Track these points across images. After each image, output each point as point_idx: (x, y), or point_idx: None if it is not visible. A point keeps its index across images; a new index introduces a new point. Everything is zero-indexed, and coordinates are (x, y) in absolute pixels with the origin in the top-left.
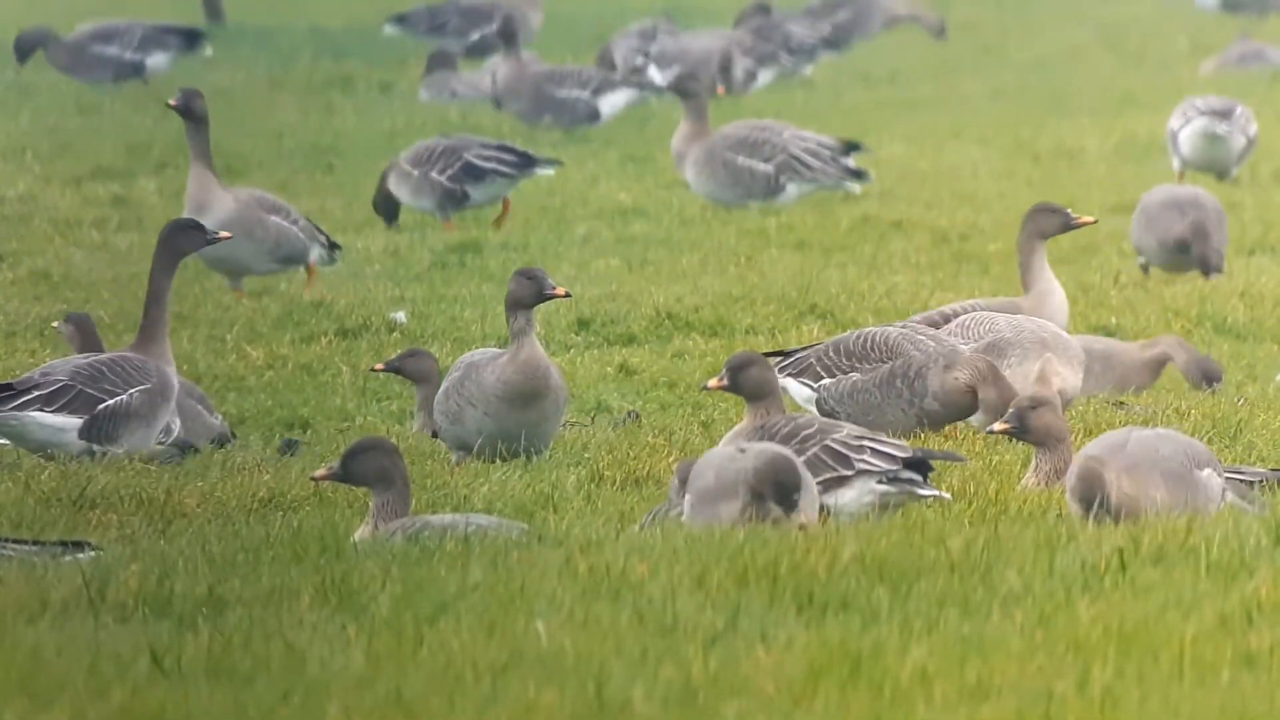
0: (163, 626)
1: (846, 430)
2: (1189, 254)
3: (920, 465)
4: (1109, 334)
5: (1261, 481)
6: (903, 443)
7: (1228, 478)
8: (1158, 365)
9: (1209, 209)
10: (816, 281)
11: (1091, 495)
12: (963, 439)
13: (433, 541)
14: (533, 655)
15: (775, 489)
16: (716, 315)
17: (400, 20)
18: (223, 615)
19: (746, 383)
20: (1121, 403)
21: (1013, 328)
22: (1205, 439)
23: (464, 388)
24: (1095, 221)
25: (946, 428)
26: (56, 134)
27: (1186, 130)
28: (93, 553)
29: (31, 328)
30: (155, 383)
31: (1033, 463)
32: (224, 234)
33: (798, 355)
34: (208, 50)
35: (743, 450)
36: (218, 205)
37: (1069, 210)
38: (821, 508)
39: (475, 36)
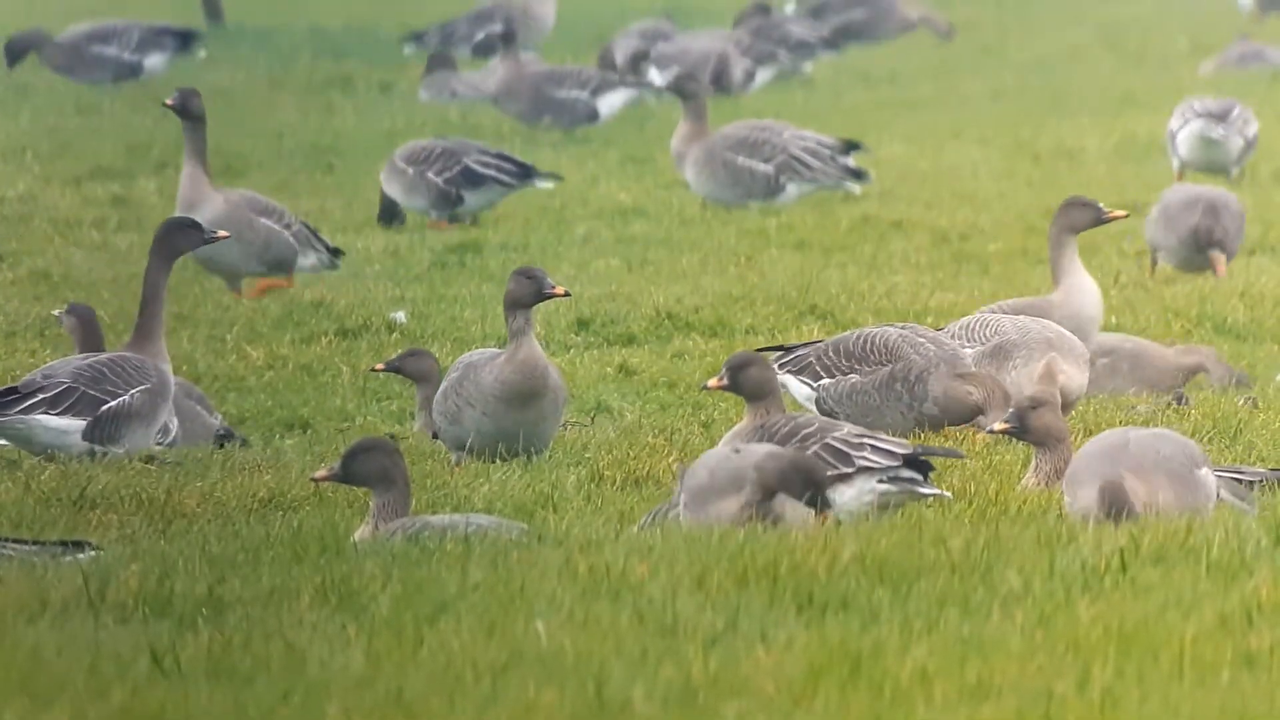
0: (163, 626)
1: (846, 429)
2: (1203, 245)
3: (920, 464)
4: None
5: (1261, 481)
6: (902, 440)
7: (1222, 476)
8: (1191, 373)
9: (1231, 206)
10: (816, 282)
11: (1119, 509)
12: (963, 439)
13: (433, 542)
14: (533, 655)
15: (806, 485)
16: (716, 315)
17: (418, 39)
18: (223, 615)
19: (746, 382)
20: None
21: (1017, 329)
22: (1205, 439)
23: (462, 388)
24: (1127, 216)
25: (945, 427)
26: (56, 134)
27: (1184, 132)
28: (93, 553)
29: (32, 328)
30: (155, 382)
31: (1033, 463)
32: (222, 233)
33: (798, 353)
34: (202, 52)
35: (737, 450)
36: (207, 205)
37: (1101, 204)
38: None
39: (480, 35)
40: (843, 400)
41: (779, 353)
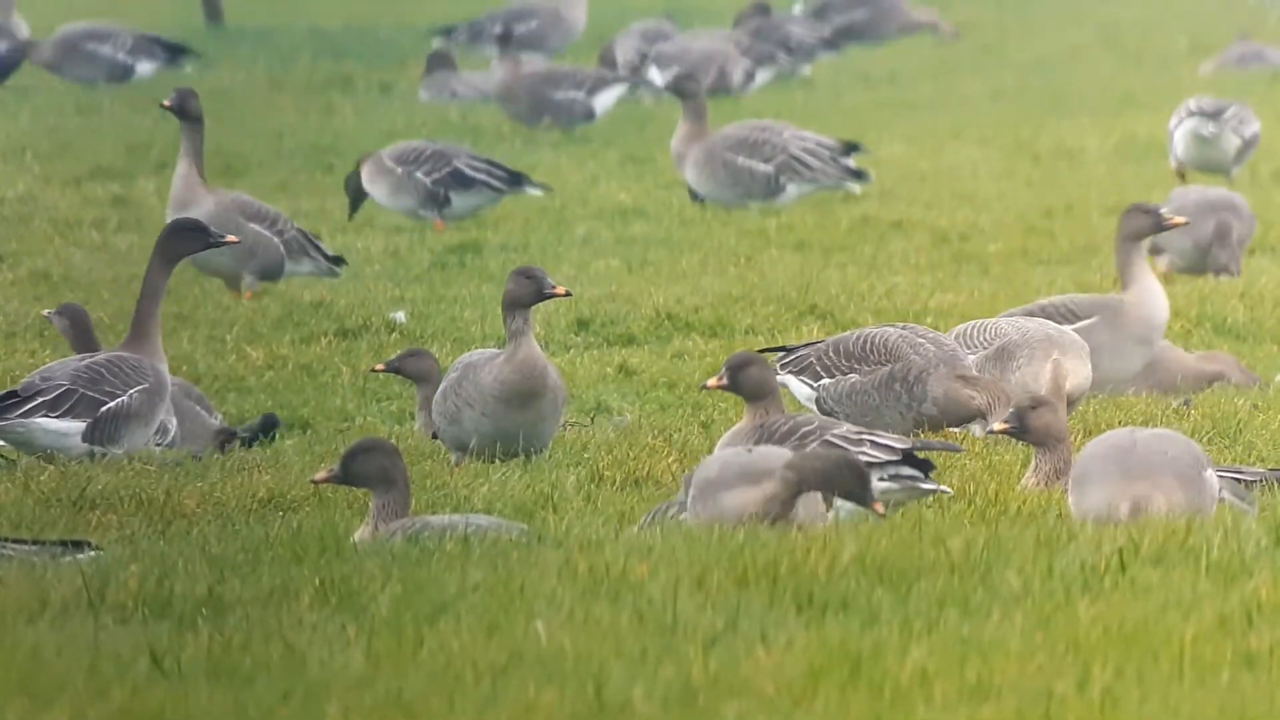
0: (162, 627)
1: (845, 426)
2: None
3: (919, 461)
4: None
5: (1261, 481)
6: (901, 437)
7: (1223, 477)
8: (1211, 379)
9: (1244, 210)
10: (816, 282)
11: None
12: (963, 438)
13: (433, 542)
14: (533, 656)
15: (855, 482)
16: (716, 316)
17: (446, 33)
18: (222, 616)
19: (746, 382)
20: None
21: (1017, 330)
22: (1205, 439)
23: (461, 388)
24: (1187, 223)
25: (944, 427)
26: (56, 134)
27: (1179, 130)
28: (93, 552)
29: (31, 328)
30: (152, 382)
31: (1033, 463)
32: (231, 238)
33: (799, 353)
34: (189, 68)
35: (749, 450)
36: (197, 205)
37: (1161, 210)
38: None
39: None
40: (842, 400)
41: (781, 353)
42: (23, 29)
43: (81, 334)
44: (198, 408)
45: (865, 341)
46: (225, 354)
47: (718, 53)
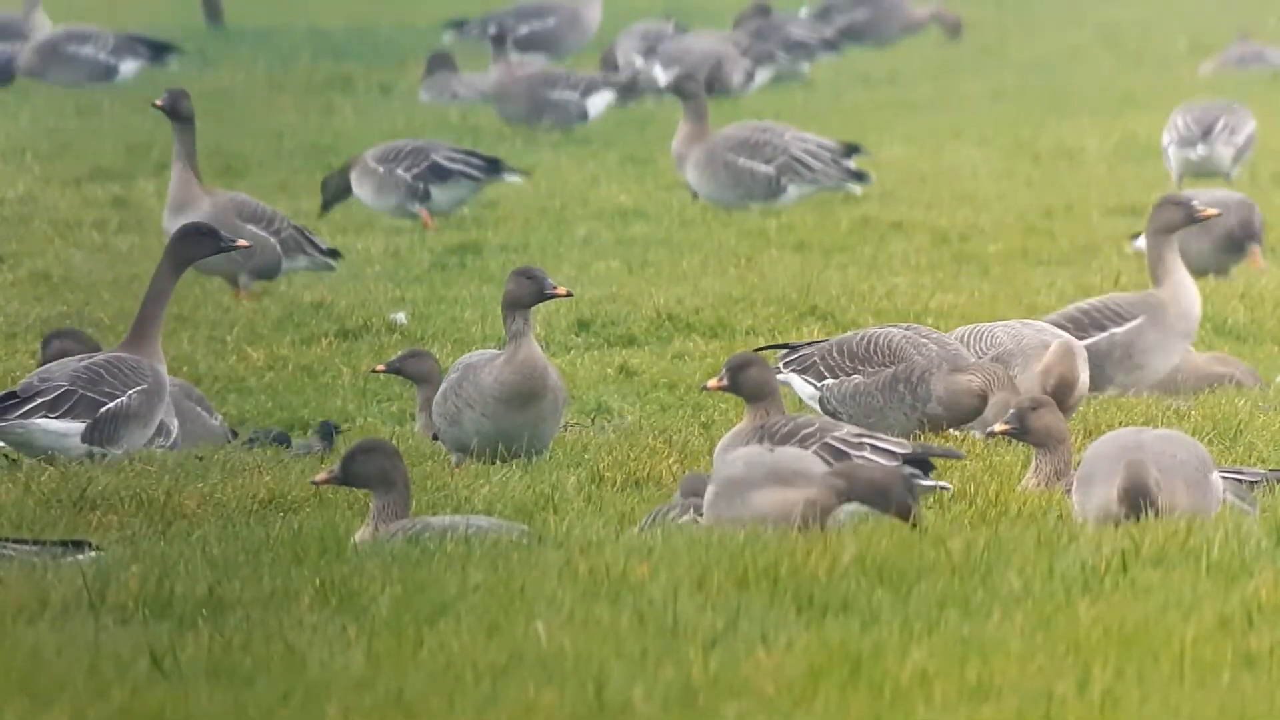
0: (163, 627)
1: (846, 429)
2: (1238, 246)
3: (920, 463)
4: None
5: (1262, 481)
6: (903, 440)
7: (1225, 478)
8: (1218, 381)
9: (1255, 207)
10: (817, 283)
11: (1143, 493)
12: (963, 439)
13: (433, 543)
14: (533, 656)
15: (906, 498)
16: (717, 316)
17: (458, 26)
18: (223, 616)
19: (746, 383)
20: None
21: (1013, 337)
22: (1205, 440)
23: (462, 389)
24: (1220, 214)
25: (946, 429)
26: (56, 135)
27: (1170, 151)
28: (93, 553)
29: (32, 329)
30: (151, 383)
31: (1033, 464)
32: (241, 242)
33: (802, 351)
34: (174, 66)
35: (770, 449)
36: (194, 207)
37: (1194, 203)
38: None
39: (524, 31)
40: (846, 401)
41: (784, 351)
42: (46, 26)
43: (84, 350)
44: (198, 409)
45: (869, 342)
46: (226, 355)
47: (718, 53)
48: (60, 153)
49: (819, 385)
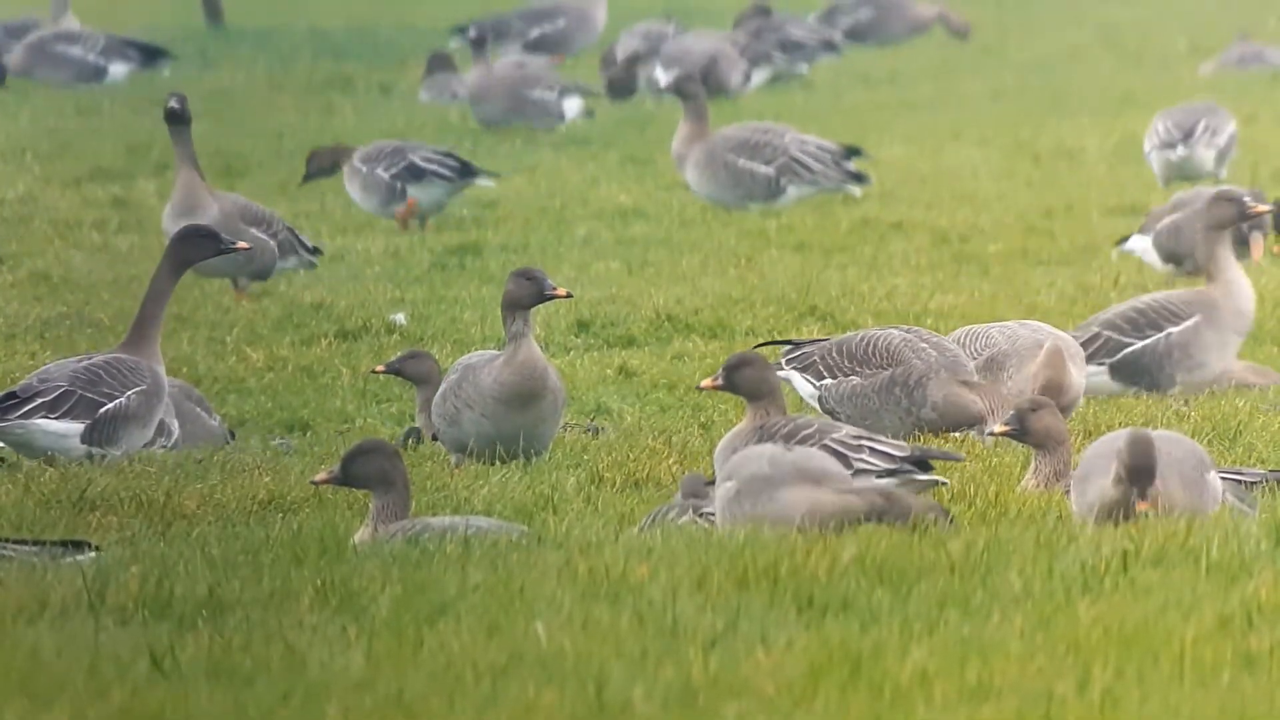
0: (163, 628)
1: (845, 430)
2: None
3: (919, 465)
4: None
5: (1263, 482)
6: (901, 443)
7: (1225, 479)
8: (1235, 382)
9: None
10: (817, 283)
11: (1148, 465)
12: (962, 440)
13: (433, 543)
14: (533, 657)
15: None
16: (716, 317)
17: (463, 31)
18: (223, 617)
19: (742, 382)
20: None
21: (1008, 339)
22: (1205, 441)
23: (461, 390)
24: (1273, 210)
25: (944, 431)
26: (56, 135)
27: (1152, 157)
28: (93, 553)
29: (32, 329)
30: (150, 384)
31: (1032, 464)
32: (242, 244)
33: (805, 349)
34: (166, 71)
35: (789, 449)
36: (202, 211)
37: (1246, 199)
38: None
39: (534, 34)
40: (844, 401)
41: (788, 347)
42: (74, 26)
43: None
44: (198, 410)
45: (868, 344)
46: (225, 355)
47: (718, 53)
48: (60, 153)
49: (818, 385)
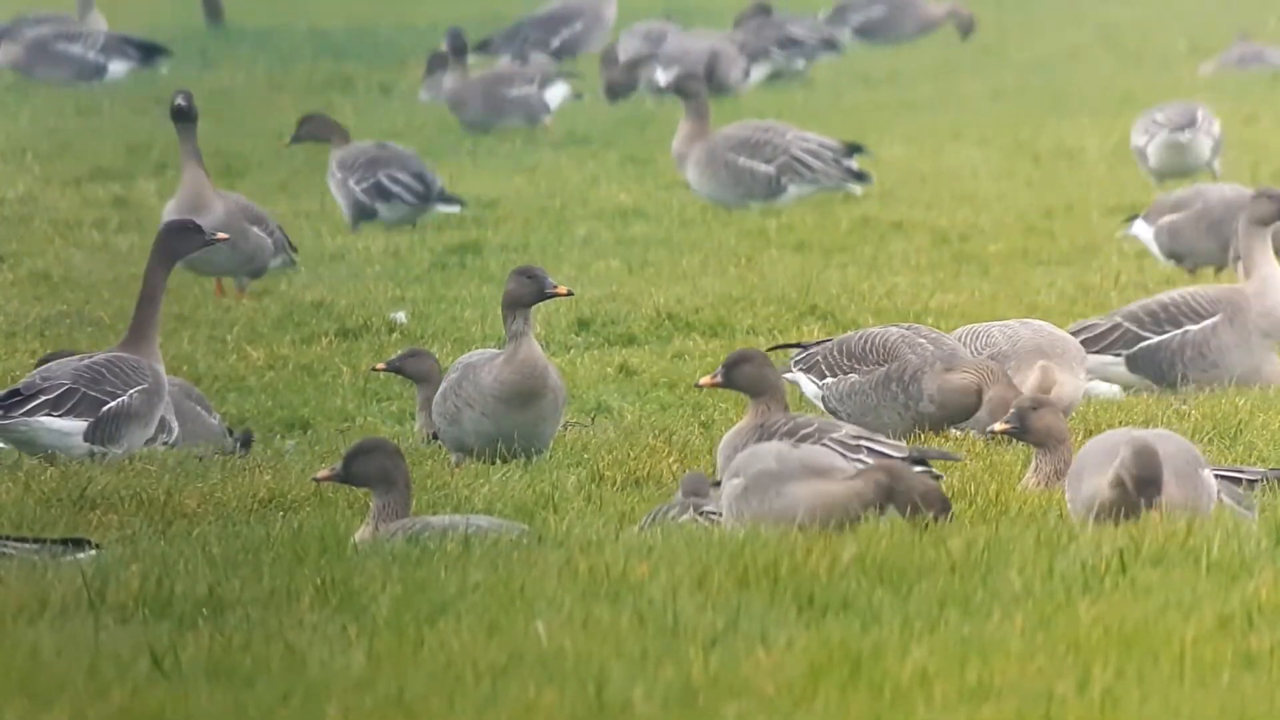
0: (163, 627)
1: (844, 430)
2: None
3: (917, 464)
4: None
5: (1263, 480)
6: (900, 443)
7: (1222, 480)
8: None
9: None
10: (817, 282)
11: (1154, 476)
12: (963, 439)
13: (433, 542)
14: (533, 656)
15: (938, 515)
16: (717, 316)
17: (482, 47)
18: (223, 616)
19: (740, 379)
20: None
21: (1008, 339)
22: (1206, 439)
23: (461, 389)
24: None
25: (946, 429)
26: (56, 135)
27: (1153, 145)
28: (93, 551)
29: (32, 328)
30: (151, 382)
31: (1033, 463)
32: (221, 235)
33: (811, 350)
34: (164, 69)
35: (795, 445)
36: (209, 209)
37: None
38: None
39: (556, 42)
40: (843, 399)
41: (797, 350)
42: (102, 27)
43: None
44: (198, 408)
45: (866, 341)
46: (226, 354)
47: (717, 51)
48: (60, 153)
49: (820, 384)
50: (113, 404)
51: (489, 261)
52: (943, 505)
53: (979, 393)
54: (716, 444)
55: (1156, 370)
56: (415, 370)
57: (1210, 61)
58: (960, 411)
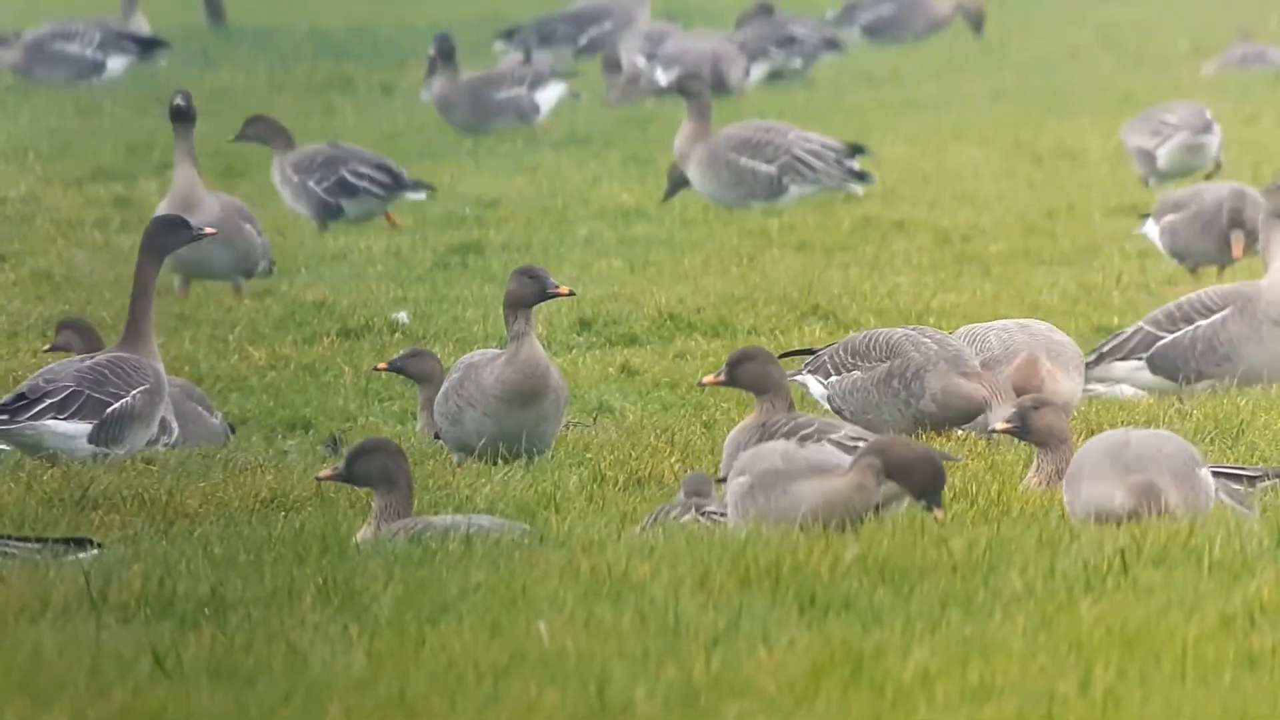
0: (164, 627)
1: (844, 430)
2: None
3: None
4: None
5: (1263, 479)
6: None
7: (1221, 480)
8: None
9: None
10: (818, 282)
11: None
12: (964, 439)
13: (435, 542)
14: (535, 656)
15: (932, 481)
16: (718, 316)
17: (508, 36)
18: (225, 616)
19: (745, 377)
20: None
21: (1002, 342)
22: (1207, 440)
23: (463, 388)
24: None
25: (946, 429)
26: (57, 135)
27: (1167, 147)
28: (95, 550)
29: (34, 328)
30: (153, 382)
31: (1034, 463)
32: (209, 230)
33: (819, 352)
34: (163, 62)
35: (801, 445)
36: (203, 208)
37: None
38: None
39: (584, 41)
40: (846, 397)
41: (808, 356)
42: (144, 27)
43: (90, 344)
44: (199, 409)
45: (869, 339)
46: (227, 354)
47: (717, 51)
48: (62, 153)
49: (825, 383)
50: (117, 405)
51: (491, 261)
52: (935, 468)
53: (985, 404)
54: (719, 443)
55: (1172, 368)
56: (417, 370)
57: (1211, 61)
58: (961, 416)
